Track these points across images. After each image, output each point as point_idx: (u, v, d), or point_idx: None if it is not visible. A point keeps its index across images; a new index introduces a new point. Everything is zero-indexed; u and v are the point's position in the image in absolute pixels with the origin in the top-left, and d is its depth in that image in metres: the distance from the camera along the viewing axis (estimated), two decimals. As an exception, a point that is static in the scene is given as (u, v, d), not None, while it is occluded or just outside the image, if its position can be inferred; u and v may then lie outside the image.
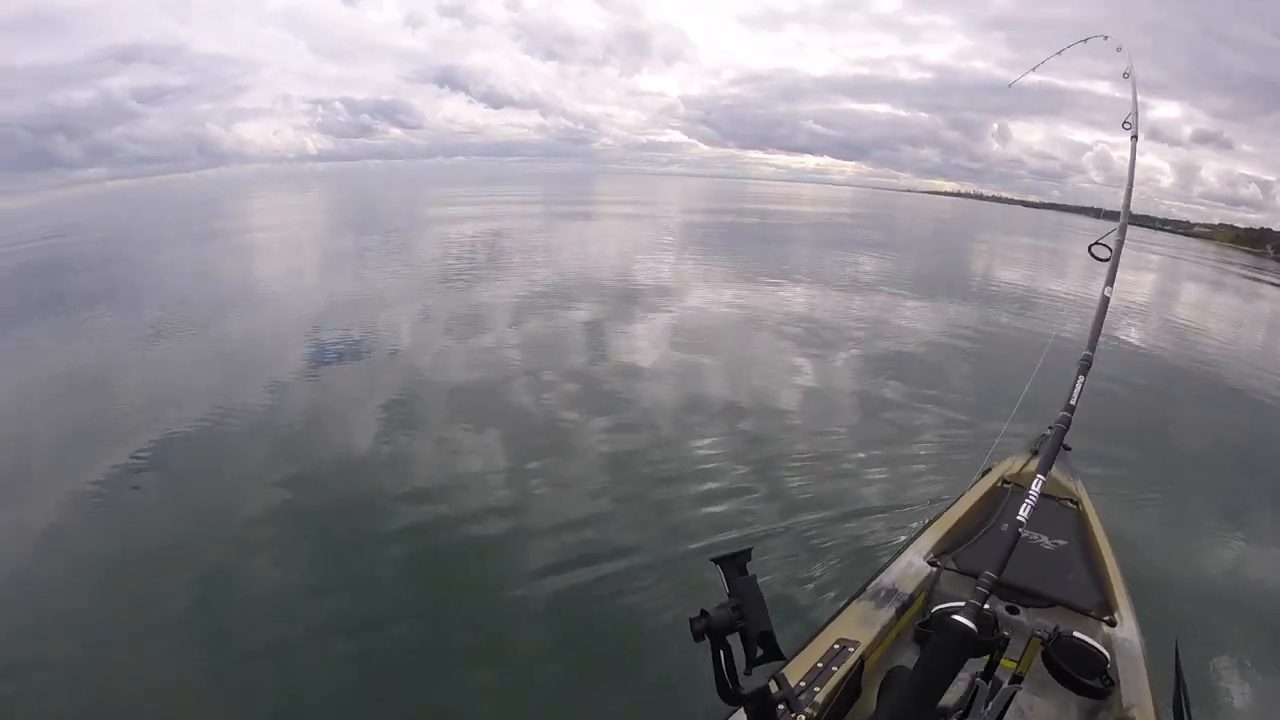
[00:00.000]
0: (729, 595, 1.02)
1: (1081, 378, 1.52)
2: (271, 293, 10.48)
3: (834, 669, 1.81)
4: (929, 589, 2.31)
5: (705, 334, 8.45)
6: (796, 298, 11.34)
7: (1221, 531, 4.65)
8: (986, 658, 1.73)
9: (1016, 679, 1.76)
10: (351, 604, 3.33)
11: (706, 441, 5.19)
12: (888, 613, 2.11)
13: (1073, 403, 1.51)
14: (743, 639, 1.01)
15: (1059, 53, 3.05)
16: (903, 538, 2.65)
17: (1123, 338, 10.61)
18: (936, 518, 2.73)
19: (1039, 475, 1.22)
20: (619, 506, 4.25)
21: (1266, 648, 3.37)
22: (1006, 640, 1.69)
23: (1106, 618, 2.14)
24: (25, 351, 7.58)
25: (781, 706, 1.12)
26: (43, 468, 4.65)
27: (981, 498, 2.78)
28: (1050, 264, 22.70)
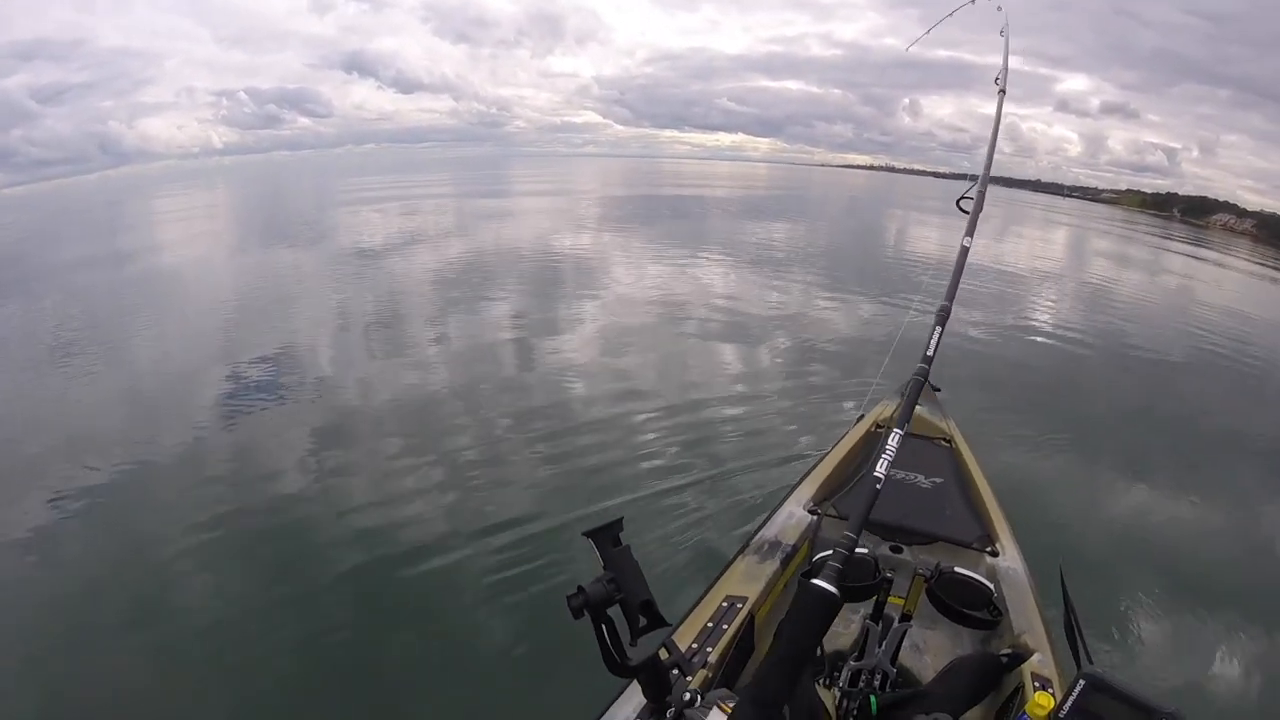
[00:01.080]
0: (604, 568, 1.01)
1: (939, 328, 1.49)
2: (180, 318, 9.93)
3: (724, 627, 1.80)
4: (811, 537, 2.32)
5: (597, 318, 8.76)
6: (697, 279, 11.77)
7: (1096, 463, 4.97)
8: (873, 599, 1.86)
9: (906, 617, 1.84)
10: (288, 602, 3.46)
11: (596, 418, 5.44)
12: (772, 565, 2.10)
13: (929, 354, 1.49)
14: (623, 610, 1.00)
15: (951, 14, 3.19)
16: (784, 489, 2.71)
17: (1009, 292, 11.34)
18: (814, 467, 2.74)
19: (896, 430, 1.21)
20: (518, 488, 4.44)
21: (1145, 566, 3.64)
22: (890, 581, 1.81)
23: (988, 549, 2.17)
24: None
25: (674, 672, 1.11)
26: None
27: (857, 443, 2.82)
28: (953, 229, 23.64)
